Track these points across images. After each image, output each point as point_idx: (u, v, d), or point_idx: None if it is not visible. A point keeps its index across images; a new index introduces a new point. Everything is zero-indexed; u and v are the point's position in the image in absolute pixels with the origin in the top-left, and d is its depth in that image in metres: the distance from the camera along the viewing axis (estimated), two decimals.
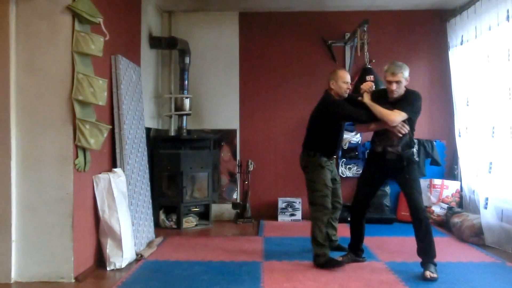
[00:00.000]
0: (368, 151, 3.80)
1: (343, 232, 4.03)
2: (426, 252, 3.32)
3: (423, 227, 3.29)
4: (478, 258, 3.81)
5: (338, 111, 3.58)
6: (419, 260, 3.37)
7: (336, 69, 3.80)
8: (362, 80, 4.31)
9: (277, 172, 5.67)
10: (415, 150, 3.45)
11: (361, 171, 3.83)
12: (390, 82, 3.32)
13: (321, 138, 3.68)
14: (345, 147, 5.41)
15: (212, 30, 5.69)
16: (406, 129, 3.33)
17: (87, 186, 3.39)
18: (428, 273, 3.21)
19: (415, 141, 3.50)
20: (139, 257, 3.76)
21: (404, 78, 3.31)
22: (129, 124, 3.98)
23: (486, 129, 4.44)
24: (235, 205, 5.47)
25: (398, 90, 3.33)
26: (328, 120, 3.64)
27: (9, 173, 3.11)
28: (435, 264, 3.29)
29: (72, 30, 3.15)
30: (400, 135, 3.34)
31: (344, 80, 3.62)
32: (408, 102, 3.35)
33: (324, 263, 3.49)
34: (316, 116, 3.72)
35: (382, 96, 3.44)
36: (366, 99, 3.47)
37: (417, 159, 3.55)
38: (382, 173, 3.52)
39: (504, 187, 4.11)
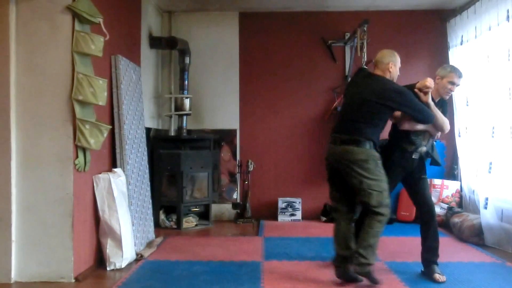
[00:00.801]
0: (385, 150, 3.34)
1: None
2: (435, 251, 3.27)
3: (433, 225, 3.26)
4: (478, 258, 3.82)
5: (412, 105, 3.07)
6: (419, 260, 3.35)
7: (393, 50, 3.30)
8: None
9: (277, 172, 5.67)
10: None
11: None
12: (454, 84, 3.24)
13: (376, 128, 3.13)
14: None
15: (212, 30, 5.69)
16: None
17: (87, 186, 3.39)
18: (438, 276, 3.18)
19: None
20: (139, 257, 3.76)
21: None
22: (129, 124, 3.98)
23: (486, 129, 4.44)
24: (235, 205, 5.47)
25: None
26: (389, 109, 3.12)
27: (9, 173, 3.11)
28: (437, 265, 3.27)
29: (72, 30, 3.15)
30: (434, 137, 3.36)
31: (399, 66, 3.27)
32: (447, 108, 3.40)
33: (367, 273, 3.03)
34: (377, 102, 3.07)
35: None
36: (430, 99, 3.16)
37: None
38: (402, 173, 3.34)
39: (504, 187, 4.11)
